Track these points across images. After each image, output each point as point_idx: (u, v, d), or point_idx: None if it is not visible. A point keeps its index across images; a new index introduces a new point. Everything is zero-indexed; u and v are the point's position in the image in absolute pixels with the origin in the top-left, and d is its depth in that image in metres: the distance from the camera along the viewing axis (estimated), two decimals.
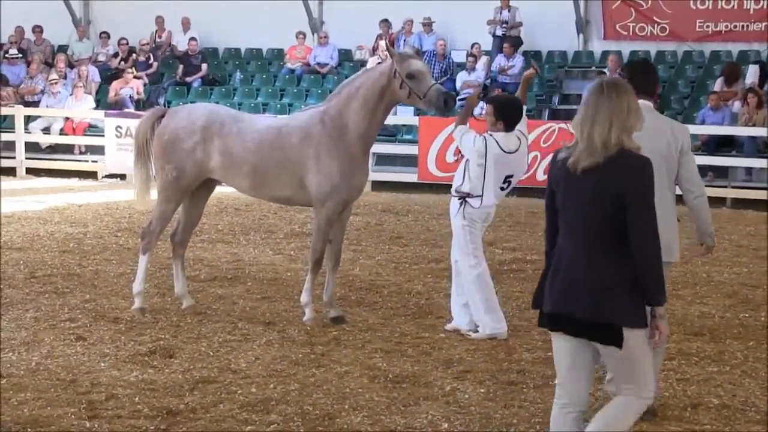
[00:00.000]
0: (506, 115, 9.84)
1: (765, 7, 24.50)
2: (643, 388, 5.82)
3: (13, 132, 25.11)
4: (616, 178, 5.51)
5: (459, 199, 9.87)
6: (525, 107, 10.20)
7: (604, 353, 5.78)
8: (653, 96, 7.76)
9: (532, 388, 8.32)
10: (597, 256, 5.62)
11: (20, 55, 27.97)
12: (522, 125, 10.02)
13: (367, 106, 10.17)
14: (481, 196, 9.76)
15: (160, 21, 28.34)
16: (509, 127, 9.81)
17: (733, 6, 24.78)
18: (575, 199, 5.66)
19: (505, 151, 9.72)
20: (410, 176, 22.34)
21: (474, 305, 9.90)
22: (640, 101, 7.33)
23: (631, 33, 25.71)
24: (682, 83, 24.74)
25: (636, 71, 7.67)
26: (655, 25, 25.44)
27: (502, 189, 9.93)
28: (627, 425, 5.92)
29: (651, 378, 5.91)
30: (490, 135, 9.75)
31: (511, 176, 9.91)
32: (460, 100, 19.83)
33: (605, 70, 23.52)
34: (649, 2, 25.26)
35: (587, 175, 5.56)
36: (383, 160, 22.61)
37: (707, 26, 25.08)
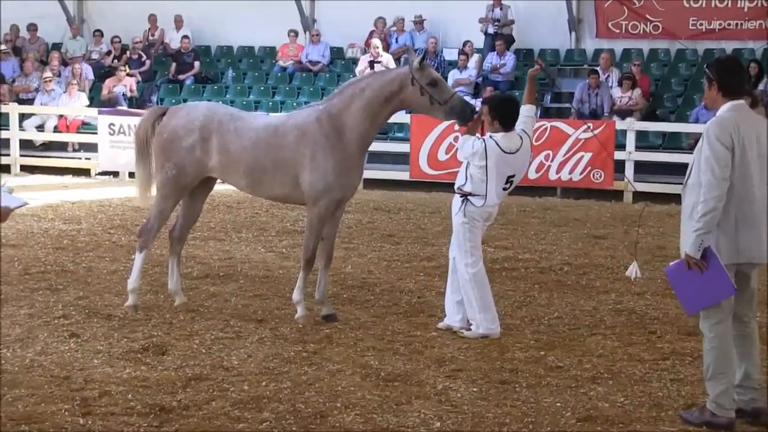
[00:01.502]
0: (502, 114, 9.85)
1: (759, 5, 24.51)
2: None
3: (8, 129, 25.10)
4: None
5: (461, 197, 9.89)
6: (535, 107, 10.20)
7: None
8: (741, 96, 7.58)
9: (525, 387, 8.34)
10: None
11: (7, 50, 27.91)
12: (528, 125, 10.03)
13: (371, 108, 10.16)
14: (484, 195, 9.77)
15: (153, 19, 28.34)
16: (507, 126, 9.82)
17: (727, 4, 24.76)
18: None
19: (505, 152, 9.72)
20: (402, 174, 22.36)
21: (469, 303, 9.92)
22: (736, 102, 7.36)
23: (623, 31, 25.70)
24: (675, 81, 24.77)
25: (724, 70, 7.53)
26: (648, 23, 25.43)
27: (505, 189, 9.94)
28: None
29: None
30: (490, 137, 9.76)
31: (513, 176, 9.92)
32: None
33: (598, 69, 23.57)
34: (642, 0, 25.26)
35: None
36: (375, 157, 22.62)
37: (701, 24, 25.08)
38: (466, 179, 9.83)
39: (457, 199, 9.94)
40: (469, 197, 9.80)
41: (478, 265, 9.92)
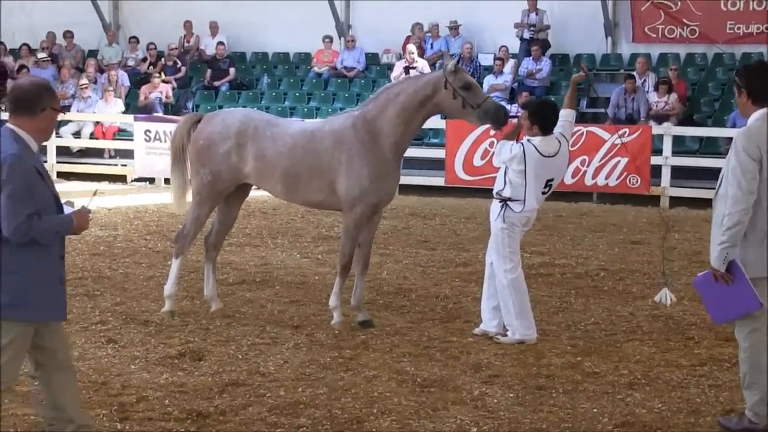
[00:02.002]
0: (541, 118, 9.82)
1: None
2: None
3: None
4: None
5: (500, 202, 9.86)
6: (574, 112, 10.17)
7: None
8: None
9: (562, 393, 8.31)
10: None
11: (49, 58, 28.14)
12: (566, 129, 9.99)
13: (405, 114, 10.15)
14: (523, 200, 9.74)
15: (188, 26, 28.44)
16: (546, 130, 9.79)
17: (765, 7, 24.50)
18: None
19: (543, 155, 9.70)
20: (437, 180, 22.32)
21: (506, 309, 9.88)
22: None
23: (660, 35, 25.53)
24: (712, 86, 24.57)
25: (754, 76, 7.39)
26: (685, 27, 25.24)
27: (543, 193, 9.91)
28: None
29: None
30: (528, 141, 9.74)
31: (552, 180, 9.89)
32: None
33: (634, 74, 23.45)
34: (679, 4, 25.04)
35: None
36: (410, 163, 22.55)
37: (738, 28, 24.85)
38: (505, 184, 9.80)
39: (495, 204, 9.91)
40: (508, 202, 9.77)
41: (516, 271, 9.88)
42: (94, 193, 7.22)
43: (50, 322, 6.24)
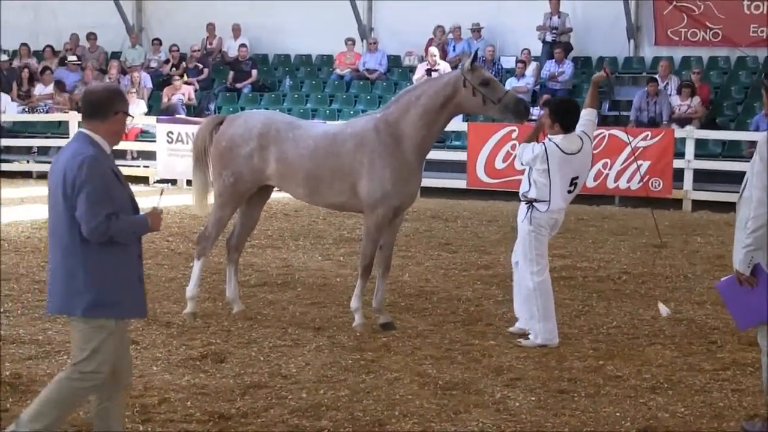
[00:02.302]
0: (562, 116, 9.80)
1: None
2: None
3: (67, 138, 25.30)
4: None
5: (526, 203, 9.84)
6: (596, 111, 10.17)
7: None
8: None
9: (584, 396, 8.29)
10: None
11: (79, 62, 28.28)
12: (588, 128, 9.96)
13: (427, 115, 10.15)
14: (548, 200, 9.72)
15: (211, 28, 28.50)
16: (567, 128, 9.77)
17: None
18: None
19: (566, 153, 9.68)
20: (459, 182, 22.30)
21: (530, 312, 9.87)
22: None
23: (683, 38, 25.45)
24: (735, 89, 24.48)
25: None
26: (708, 31, 25.15)
27: (569, 192, 9.88)
28: None
29: None
30: (549, 140, 9.72)
31: (577, 178, 9.86)
32: None
33: (656, 77, 23.39)
34: (702, 7, 24.95)
35: None
36: (432, 166, 22.55)
37: (761, 31, 24.70)
38: (530, 185, 9.78)
39: (522, 207, 9.90)
40: (534, 203, 9.75)
41: (543, 274, 9.86)
42: (161, 192, 7.34)
43: (131, 319, 6.47)
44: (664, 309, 10.76)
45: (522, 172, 10.34)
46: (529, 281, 9.84)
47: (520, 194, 9.95)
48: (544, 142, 9.73)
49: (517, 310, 10.23)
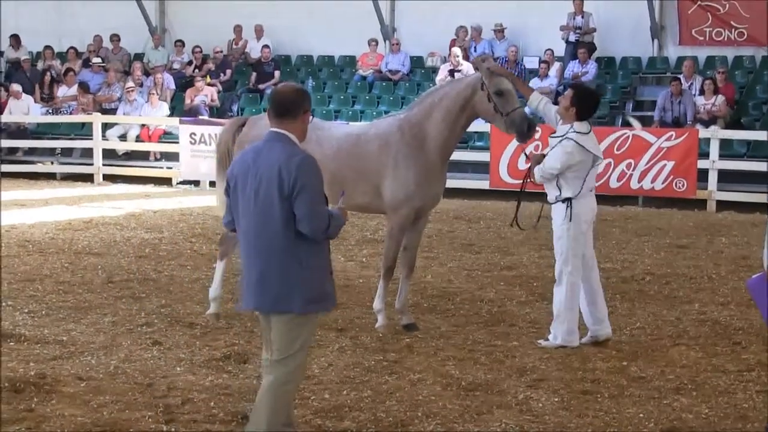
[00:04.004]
0: (583, 104, 9.77)
1: None
2: None
3: (91, 139, 25.50)
4: None
5: (563, 202, 9.79)
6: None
7: None
8: None
9: (607, 397, 8.26)
10: None
11: (104, 64, 28.39)
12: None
13: (449, 117, 10.15)
14: (580, 188, 9.71)
15: (238, 29, 28.48)
16: (581, 115, 9.75)
17: None
18: None
19: (585, 134, 9.72)
20: (482, 183, 22.27)
21: (556, 310, 9.82)
22: None
23: (707, 38, 25.29)
24: (760, 89, 24.32)
25: None
26: (733, 30, 24.99)
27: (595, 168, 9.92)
28: None
29: None
30: (572, 130, 9.67)
31: (598, 157, 9.90)
32: None
33: (680, 77, 23.29)
34: (727, 6, 24.80)
35: None
36: (455, 166, 22.51)
37: None
38: (560, 188, 9.73)
39: (558, 208, 9.81)
40: (572, 200, 9.71)
41: (576, 275, 9.81)
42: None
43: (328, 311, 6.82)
44: (636, 123, 10.68)
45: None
46: (562, 279, 9.79)
47: (551, 200, 9.85)
48: (567, 136, 9.66)
49: (586, 314, 10.03)
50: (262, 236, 6.38)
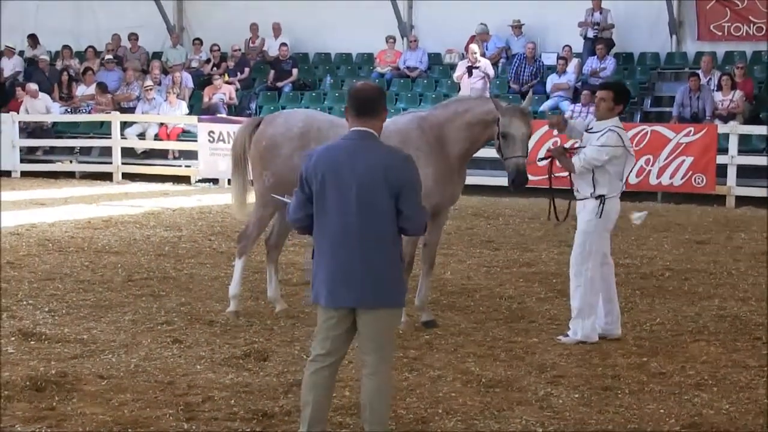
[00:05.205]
0: (624, 100, 9.89)
1: None
2: None
3: (110, 137, 25.59)
4: None
5: (596, 198, 9.75)
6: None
7: None
8: None
9: (627, 393, 8.25)
10: None
11: (115, 60, 28.45)
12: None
13: (471, 131, 10.20)
14: (617, 193, 9.77)
15: (254, 28, 28.54)
16: (623, 111, 9.86)
17: None
18: None
19: (625, 139, 9.77)
20: (501, 180, 22.16)
21: (576, 305, 9.80)
22: None
23: (726, 33, 25.19)
24: None
25: None
26: (751, 25, 24.86)
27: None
28: None
29: None
30: (615, 126, 9.69)
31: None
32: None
33: (699, 72, 23.21)
34: (745, 1, 24.68)
35: None
36: (474, 163, 22.38)
37: None
38: (594, 185, 9.71)
39: (590, 203, 9.78)
40: (605, 198, 9.69)
41: (596, 271, 9.79)
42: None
43: None
44: (637, 216, 10.76)
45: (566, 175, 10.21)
46: (582, 274, 9.76)
47: (588, 196, 9.77)
48: (612, 128, 9.65)
49: (600, 311, 10.02)
50: (368, 233, 6.43)
